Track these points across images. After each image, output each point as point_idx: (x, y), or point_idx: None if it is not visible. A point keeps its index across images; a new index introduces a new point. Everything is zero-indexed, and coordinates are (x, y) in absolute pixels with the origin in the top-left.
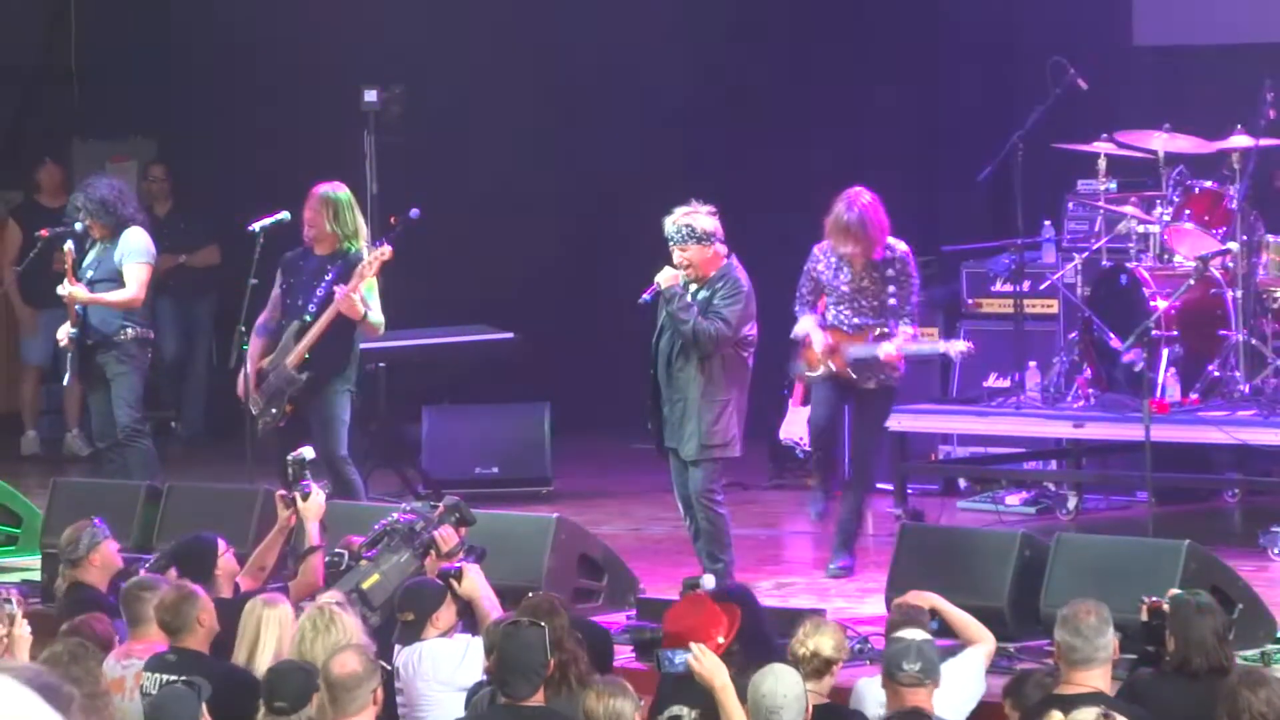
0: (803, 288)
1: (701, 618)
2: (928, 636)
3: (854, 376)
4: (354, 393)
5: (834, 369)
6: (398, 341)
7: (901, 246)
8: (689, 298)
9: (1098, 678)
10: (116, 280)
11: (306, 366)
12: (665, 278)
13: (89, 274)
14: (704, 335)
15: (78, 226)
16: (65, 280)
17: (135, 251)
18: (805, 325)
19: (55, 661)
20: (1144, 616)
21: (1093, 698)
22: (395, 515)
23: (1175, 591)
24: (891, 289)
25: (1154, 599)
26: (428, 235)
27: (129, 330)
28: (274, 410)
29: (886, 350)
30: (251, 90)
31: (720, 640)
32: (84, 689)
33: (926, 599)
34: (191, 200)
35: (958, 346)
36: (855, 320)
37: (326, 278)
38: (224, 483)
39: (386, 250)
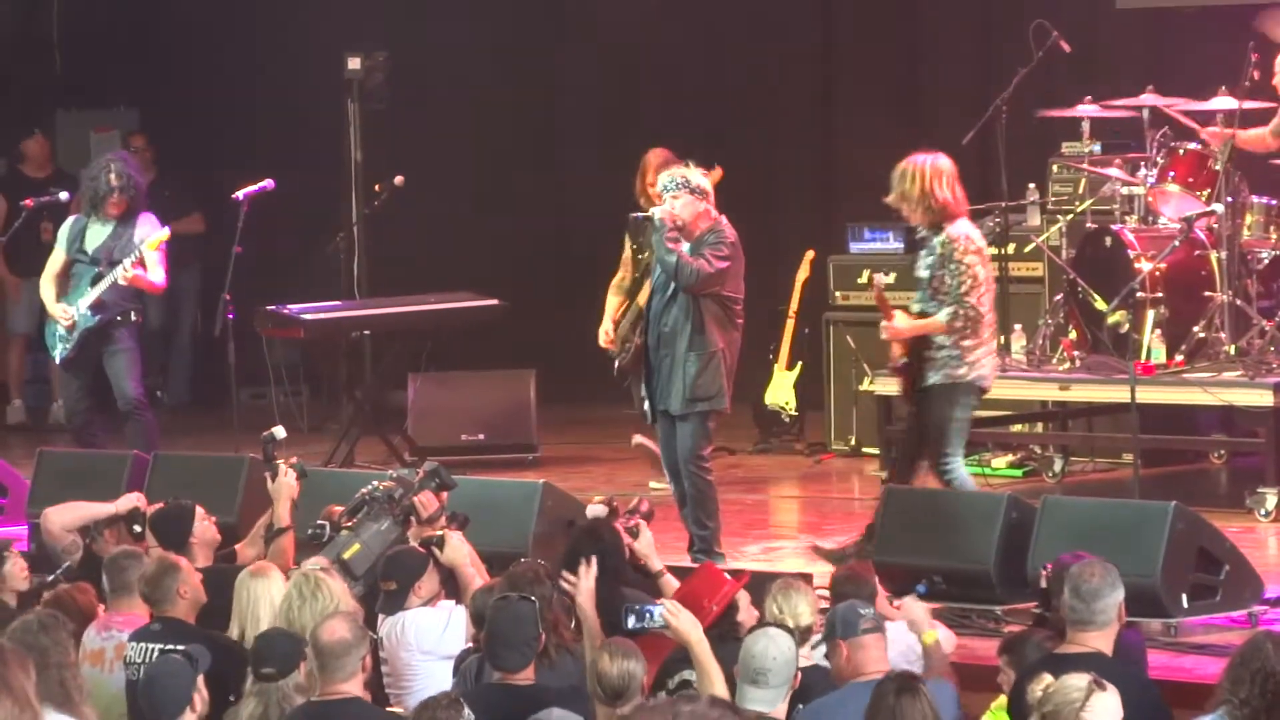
0: None
1: (704, 586)
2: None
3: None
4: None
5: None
6: (383, 309)
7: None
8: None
9: (1098, 639)
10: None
11: None
12: (661, 210)
13: (96, 253)
14: (686, 269)
15: (63, 196)
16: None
17: (159, 237)
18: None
19: (25, 630)
20: (1043, 583)
21: (1090, 658)
22: (375, 483)
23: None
24: None
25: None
26: (412, 202)
27: (135, 312)
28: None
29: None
30: (234, 59)
31: (713, 608)
32: (52, 659)
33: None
34: (175, 169)
35: None
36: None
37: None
38: (210, 451)
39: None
